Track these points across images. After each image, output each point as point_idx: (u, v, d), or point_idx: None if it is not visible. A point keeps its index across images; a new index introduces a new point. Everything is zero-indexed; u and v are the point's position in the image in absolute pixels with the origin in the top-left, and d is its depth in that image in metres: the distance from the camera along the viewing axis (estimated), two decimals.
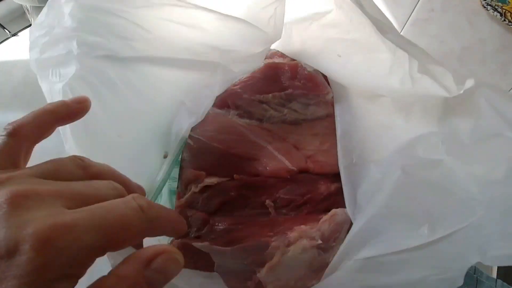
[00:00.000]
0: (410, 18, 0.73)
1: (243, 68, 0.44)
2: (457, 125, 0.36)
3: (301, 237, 0.35)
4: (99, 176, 0.26)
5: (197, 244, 0.36)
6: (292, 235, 0.35)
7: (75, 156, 0.27)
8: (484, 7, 0.64)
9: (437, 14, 0.71)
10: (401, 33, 0.73)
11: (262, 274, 0.34)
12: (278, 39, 0.44)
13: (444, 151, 0.35)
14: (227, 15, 0.39)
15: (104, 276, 0.21)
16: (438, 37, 0.71)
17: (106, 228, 0.21)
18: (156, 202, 0.37)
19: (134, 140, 0.39)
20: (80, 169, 0.26)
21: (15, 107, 0.72)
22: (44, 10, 0.36)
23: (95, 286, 0.20)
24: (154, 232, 0.24)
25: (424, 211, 0.34)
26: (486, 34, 0.68)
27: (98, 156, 0.28)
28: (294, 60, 0.46)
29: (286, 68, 0.43)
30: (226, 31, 0.41)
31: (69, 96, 0.34)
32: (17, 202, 0.20)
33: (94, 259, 0.21)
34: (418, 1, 0.70)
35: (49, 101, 0.36)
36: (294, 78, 0.42)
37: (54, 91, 0.34)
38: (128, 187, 0.28)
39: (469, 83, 0.33)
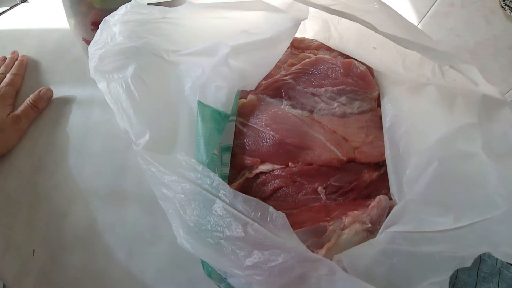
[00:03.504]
0: (430, 11, 0.76)
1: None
2: (491, 130, 0.40)
3: (355, 221, 0.39)
4: None
5: None
6: (347, 219, 0.39)
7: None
8: (502, 7, 0.67)
9: (456, 9, 0.74)
10: (420, 24, 0.76)
11: (321, 254, 0.37)
12: (304, 19, 0.46)
13: (480, 146, 0.39)
14: (247, 1, 0.44)
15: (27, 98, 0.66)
16: (454, 31, 0.74)
17: (9, 83, 0.67)
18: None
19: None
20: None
21: (30, 78, 0.70)
22: (98, 31, 0.44)
23: (26, 100, 0.66)
24: (21, 77, 0.71)
25: (453, 200, 0.38)
26: (500, 32, 0.71)
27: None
28: (340, 54, 0.49)
29: (340, 64, 0.45)
30: (251, 15, 0.45)
31: (130, 90, 0.41)
32: None
33: (15, 91, 0.68)
34: None
35: (106, 96, 0.42)
36: (347, 75, 0.45)
37: (112, 87, 0.41)
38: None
39: None
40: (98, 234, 0.52)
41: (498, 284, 0.50)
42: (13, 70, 0.70)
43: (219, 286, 0.42)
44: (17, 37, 0.78)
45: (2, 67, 0.71)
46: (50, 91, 0.67)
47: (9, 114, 0.62)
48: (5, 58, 0.74)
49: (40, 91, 0.66)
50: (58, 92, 0.67)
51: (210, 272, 0.40)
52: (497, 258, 0.55)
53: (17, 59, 0.73)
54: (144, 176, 0.41)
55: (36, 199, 0.56)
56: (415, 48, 0.36)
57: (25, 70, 0.73)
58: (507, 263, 0.54)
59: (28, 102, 0.64)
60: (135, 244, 0.51)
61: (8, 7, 0.84)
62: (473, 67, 0.37)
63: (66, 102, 0.65)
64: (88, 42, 0.62)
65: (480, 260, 0.53)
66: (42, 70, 0.71)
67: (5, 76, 0.69)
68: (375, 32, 0.36)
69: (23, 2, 0.85)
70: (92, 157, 0.59)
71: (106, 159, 0.58)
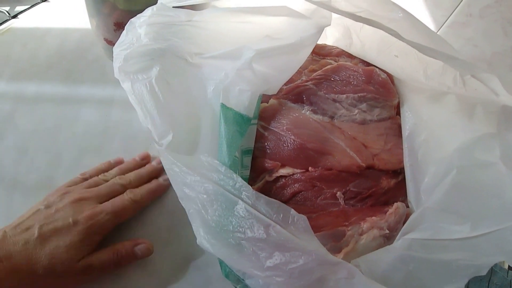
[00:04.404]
0: (447, 20, 0.76)
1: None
2: (510, 142, 0.40)
3: (373, 227, 0.39)
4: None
5: None
6: (365, 225, 0.39)
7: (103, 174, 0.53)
8: None
9: (474, 19, 0.74)
10: (438, 33, 0.76)
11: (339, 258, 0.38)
12: (327, 25, 0.46)
13: (498, 156, 0.39)
14: (271, 7, 0.44)
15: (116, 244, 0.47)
16: (472, 41, 0.74)
17: (115, 211, 0.47)
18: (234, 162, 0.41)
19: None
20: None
21: (51, 78, 0.71)
22: (124, 32, 0.44)
23: (113, 247, 0.47)
24: (141, 207, 0.51)
25: (470, 209, 0.39)
26: None
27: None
28: (361, 61, 0.49)
29: (361, 72, 0.46)
30: (275, 21, 0.45)
31: (154, 91, 0.42)
32: (77, 202, 0.46)
33: (112, 226, 0.47)
34: (458, 6, 0.74)
35: (130, 96, 0.42)
36: (368, 82, 0.46)
37: (136, 88, 0.42)
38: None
39: None
40: (115, 233, 0.53)
41: None
42: (138, 192, 0.51)
43: (235, 287, 0.42)
44: (38, 36, 0.78)
45: (129, 174, 0.53)
46: (149, 251, 0.48)
47: (83, 258, 0.44)
48: (143, 161, 0.57)
49: (137, 243, 0.48)
50: (78, 91, 0.68)
51: (228, 272, 0.41)
52: (508, 270, 0.55)
53: (152, 172, 0.55)
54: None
55: None
56: (439, 57, 0.36)
57: (151, 201, 0.53)
58: None
59: (113, 255, 0.46)
60: (153, 242, 0.52)
61: (29, 5, 0.85)
62: (494, 77, 0.37)
63: (86, 101, 0.66)
64: (110, 42, 0.63)
65: (492, 271, 0.54)
66: (63, 69, 0.72)
67: (121, 191, 0.50)
68: (400, 40, 0.37)
69: (44, 1, 0.86)
70: (110, 156, 0.59)
71: (126, 158, 0.59)
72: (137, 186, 0.51)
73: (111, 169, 0.54)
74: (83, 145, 0.61)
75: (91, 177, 0.52)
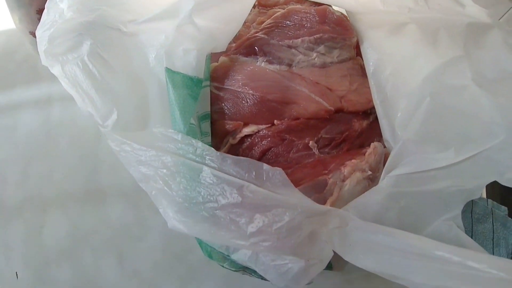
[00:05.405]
0: None
1: None
2: (480, 58, 0.38)
3: (354, 170, 0.37)
4: None
5: None
6: (346, 170, 0.36)
7: None
8: None
9: None
10: None
11: None
12: None
13: (470, 77, 0.37)
14: None
15: None
16: None
17: None
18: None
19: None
20: None
21: None
22: (45, 12, 0.39)
23: None
24: None
25: (451, 135, 0.37)
26: None
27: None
28: (312, 3, 0.46)
29: (314, 12, 0.42)
30: None
31: (89, 68, 0.37)
32: None
33: None
34: None
35: (62, 81, 0.37)
36: (323, 22, 0.42)
37: (67, 70, 0.37)
38: None
39: None
40: (82, 240, 0.49)
41: (493, 223, 0.50)
42: None
43: (222, 266, 0.38)
44: None
45: None
46: None
47: None
48: None
49: None
50: (11, 97, 0.61)
51: (210, 252, 0.37)
52: (487, 199, 0.55)
53: None
54: (119, 165, 0.37)
55: (7, 217, 0.52)
56: None
57: None
58: (497, 203, 0.55)
59: None
60: (125, 242, 0.48)
61: None
62: None
63: (21, 106, 0.60)
64: (35, 35, 0.57)
65: (473, 202, 0.54)
66: None
67: None
68: None
69: None
70: (60, 159, 0.55)
71: (76, 158, 0.54)
72: None
73: None
74: (27, 154, 0.56)
75: None
